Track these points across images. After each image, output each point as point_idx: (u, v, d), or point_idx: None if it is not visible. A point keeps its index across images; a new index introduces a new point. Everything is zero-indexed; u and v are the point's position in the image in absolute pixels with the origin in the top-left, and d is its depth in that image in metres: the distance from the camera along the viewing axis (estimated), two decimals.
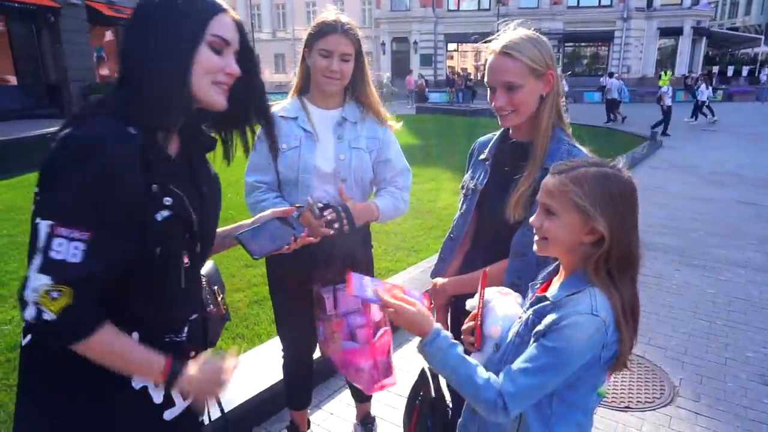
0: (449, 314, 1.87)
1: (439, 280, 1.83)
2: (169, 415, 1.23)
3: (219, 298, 1.44)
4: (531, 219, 1.28)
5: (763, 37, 36.71)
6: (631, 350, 1.20)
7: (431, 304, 1.86)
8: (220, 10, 1.13)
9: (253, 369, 2.81)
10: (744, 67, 35.59)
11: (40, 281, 0.99)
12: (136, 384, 1.16)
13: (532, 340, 1.18)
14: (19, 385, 1.19)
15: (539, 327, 1.17)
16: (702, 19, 35.24)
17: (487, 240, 1.71)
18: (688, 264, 5.12)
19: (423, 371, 1.90)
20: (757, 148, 12.91)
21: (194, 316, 1.27)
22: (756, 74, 32.80)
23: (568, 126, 1.66)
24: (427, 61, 37.72)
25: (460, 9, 37.40)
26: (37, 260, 0.99)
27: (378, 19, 38.34)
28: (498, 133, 1.77)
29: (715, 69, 34.90)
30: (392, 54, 38.86)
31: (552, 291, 1.25)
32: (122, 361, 1.10)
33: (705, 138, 14.76)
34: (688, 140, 14.23)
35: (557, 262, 1.36)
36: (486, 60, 1.59)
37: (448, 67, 38.07)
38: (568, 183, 1.18)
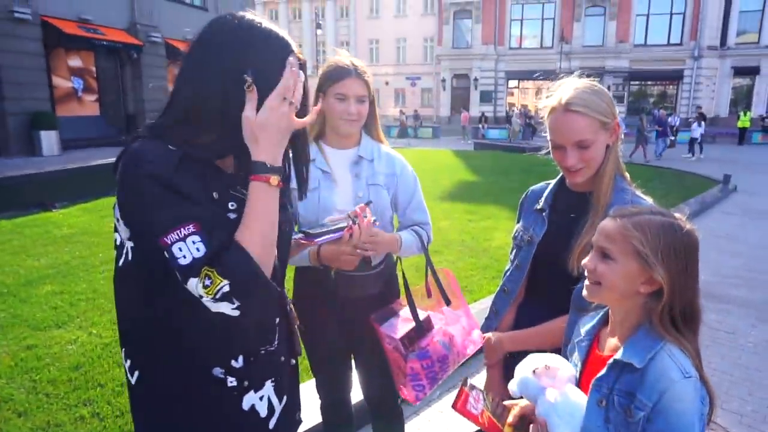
0: (504, 372, 1.76)
1: (493, 336, 1.74)
2: (273, 422, 1.28)
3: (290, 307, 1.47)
4: (584, 261, 1.22)
5: None
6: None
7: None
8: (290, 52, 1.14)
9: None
10: None
11: (195, 287, 1.01)
12: (246, 405, 1.21)
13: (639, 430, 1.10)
14: (135, 422, 1.27)
15: (636, 412, 1.09)
16: None
17: (544, 293, 1.64)
18: (766, 320, 4.72)
19: None
20: None
21: (278, 320, 1.29)
22: None
23: (624, 171, 1.59)
24: (486, 97, 37.82)
25: (522, 47, 37.44)
26: (179, 277, 1.02)
27: (439, 56, 38.96)
28: (553, 182, 1.71)
29: None
30: (452, 90, 39.23)
31: (626, 354, 1.14)
32: (272, 235, 1.11)
33: None
34: (766, 184, 13.36)
35: (599, 315, 1.33)
36: (547, 114, 1.55)
37: (509, 104, 37.95)
38: (630, 228, 1.14)
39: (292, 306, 1.41)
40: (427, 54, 42.31)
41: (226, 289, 1.00)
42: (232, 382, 1.18)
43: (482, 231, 7.36)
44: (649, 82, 36.57)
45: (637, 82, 36.24)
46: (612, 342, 1.23)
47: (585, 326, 1.35)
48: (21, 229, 7.21)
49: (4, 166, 12.43)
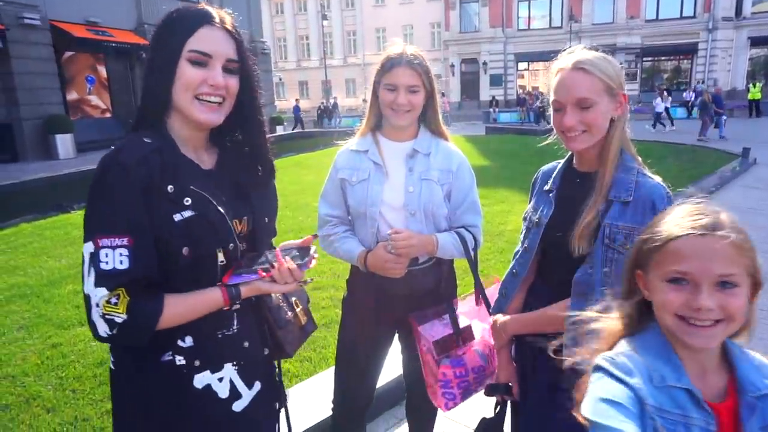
0: (512, 355, 1.75)
1: (500, 318, 1.72)
2: (238, 406, 1.30)
3: (298, 309, 1.49)
4: (702, 302, 0.94)
5: None
6: None
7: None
8: (202, 23, 1.19)
9: (319, 392, 2.81)
10: None
11: (98, 295, 1.07)
12: (199, 383, 1.24)
13: None
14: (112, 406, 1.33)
15: None
16: None
17: (553, 276, 1.61)
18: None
19: (482, 421, 1.79)
20: None
21: (236, 307, 1.30)
22: None
23: (636, 153, 1.54)
24: (497, 81, 37.42)
25: (531, 27, 36.91)
26: (91, 276, 1.07)
27: (447, 42, 38.59)
28: (562, 162, 1.66)
29: None
30: (461, 75, 38.88)
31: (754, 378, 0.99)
32: (193, 314, 1.19)
33: None
34: None
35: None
36: (554, 76, 1.51)
37: (519, 86, 37.52)
38: (748, 241, 0.97)
39: (272, 302, 1.43)
40: (434, 40, 41.93)
41: (119, 321, 1.08)
42: (180, 360, 1.22)
43: (496, 215, 7.32)
44: (663, 58, 35.84)
45: (650, 59, 35.54)
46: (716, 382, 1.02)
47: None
48: (41, 231, 7.34)
49: (22, 171, 12.65)
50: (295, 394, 2.93)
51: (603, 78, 1.43)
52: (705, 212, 0.99)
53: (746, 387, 0.98)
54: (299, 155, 15.13)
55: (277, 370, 1.51)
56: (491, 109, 30.34)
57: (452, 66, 38.66)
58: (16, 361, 3.46)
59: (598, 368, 1.02)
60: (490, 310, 1.89)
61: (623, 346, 1.05)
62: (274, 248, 1.37)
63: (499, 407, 1.77)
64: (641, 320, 1.07)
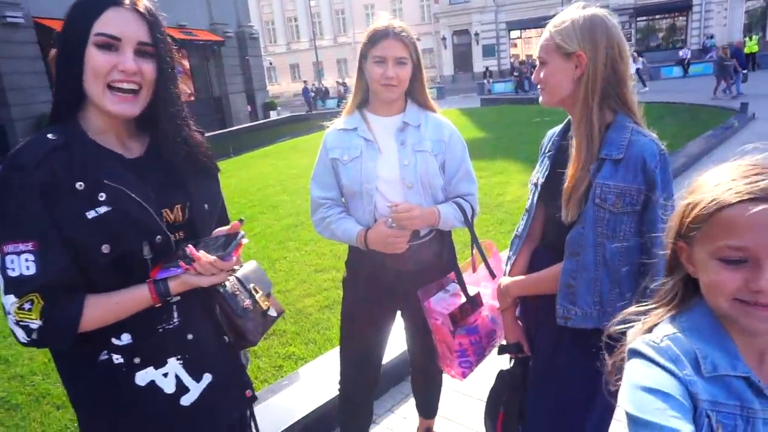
0: (518, 318, 1.76)
1: (504, 281, 1.73)
2: (187, 400, 1.27)
3: (258, 295, 1.44)
4: (765, 283, 0.79)
5: None
6: None
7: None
8: (108, 5, 1.11)
9: (325, 373, 2.82)
10: None
11: (9, 302, 1.05)
12: (142, 381, 1.21)
13: None
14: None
15: None
16: None
17: (553, 237, 1.60)
18: None
19: (501, 373, 1.82)
20: None
21: (176, 299, 1.24)
22: None
23: (636, 112, 1.49)
24: (489, 51, 36.99)
25: None
26: (2, 285, 1.06)
27: (437, 14, 38.05)
28: (563, 123, 1.67)
29: None
30: (453, 48, 38.41)
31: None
32: (121, 313, 1.15)
33: None
34: None
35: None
36: None
37: (512, 55, 37.06)
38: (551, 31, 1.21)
39: (229, 288, 1.38)
40: (424, 14, 41.33)
41: (34, 327, 1.06)
42: (118, 359, 1.18)
43: (495, 186, 7.29)
44: (657, 16, 35.29)
45: (644, 18, 35.01)
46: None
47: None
48: None
49: None
50: (301, 376, 2.95)
51: (556, 40, 1.47)
52: (765, 171, 0.81)
53: None
54: (294, 139, 15.06)
55: (244, 358, 1.49)
56: (485, 81, 30.00)
57: (444, 39, 38.17)
58: (23, 361, 3.49)
59: (637, 353, 0.87)
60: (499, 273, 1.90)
61: (666, 328, 0.89)
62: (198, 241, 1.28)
63: (514, 361, 1.80)
64: (686, 297, 0.92)
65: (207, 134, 1.44)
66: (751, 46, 25.25)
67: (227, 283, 1.36)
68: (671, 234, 0.92)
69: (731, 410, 0.81)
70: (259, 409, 1.71)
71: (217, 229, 1.31)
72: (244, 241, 1.26)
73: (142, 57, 1.15)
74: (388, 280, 1.95)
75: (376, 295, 2.00)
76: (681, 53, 28.05)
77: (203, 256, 1.16)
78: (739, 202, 0.79)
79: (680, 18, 34.67)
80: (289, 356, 3.30)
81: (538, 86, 1.57)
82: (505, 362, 1.85)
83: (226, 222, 1.41)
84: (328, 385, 2.71)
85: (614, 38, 1.44)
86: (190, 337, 1.27)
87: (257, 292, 1.45)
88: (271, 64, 45.42)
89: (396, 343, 2.40)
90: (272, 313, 1.47)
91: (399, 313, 2.14)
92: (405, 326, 2.17)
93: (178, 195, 1.26)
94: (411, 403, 2.77)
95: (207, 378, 1.30)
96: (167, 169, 1.25)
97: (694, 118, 12.08)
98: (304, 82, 33.07)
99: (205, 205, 1.32)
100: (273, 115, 25.84)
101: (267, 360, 3.26)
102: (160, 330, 1.23)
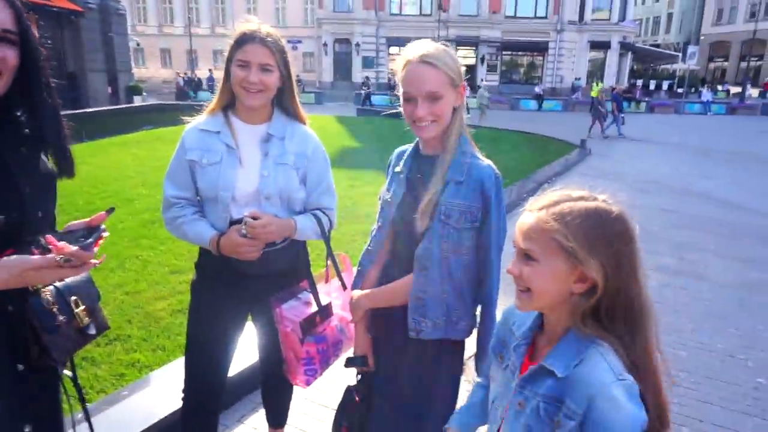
0: (368, 329, 1.81)
1: (356, 293, 1.78)
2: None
3: (79, 309, 1.32)
4: (508, 267, 1.07)
5: (680, 54, 39.30)
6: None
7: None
8: None
9: (172, 382, 2.65)
10: (665, 81, 37.96)
11: None
12: None
13: None
14: None
15: (565, 422, 0.96)
16: (627, 35, 37.41)
17: (404, 252, 1.69)
18: None
19: (348, 389, 1.86)
20: (677, 157, 13.77)
21: None
22: (674, 88, 35.02)
23: (471, 138, 1.67)
24: (369, 63, 37.84)
25: (402, 13, 37.80)
26: None
27: (320, 20, 38.09)
28: (412, 145, 1.76)
29: (639, 82, 37.09)
30: (334, 55, 38.71)
31: (550, 360, 1.03)
32: None
33: (631, 147, 15.58)
34: (615, 149, 14.98)
35: (535, 316, 1.15)
36: (401, 68, 1.58)
37: (390, 69, 38.30)
38: (549, 221, 0.99)
39: (44, 301, 1.26)
40: (307, 17, 41.13)
41: None
42: None
43: (364, 196, 7.45)
44: (520, 53, 38.89)
45: (509, 53, 38.37)
46: (544, 347, 1.10)
47: (520, 328, 1.18)
48: None
49: None
50: (145, 385, 2.74)
51: (447, 72, 1.53)
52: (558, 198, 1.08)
53: (549, 358, 1.04)
54: (160, 129, 14.05)
55: (66, 372, 1.38)
56: (362, 91, 30.66)
57: (325, 45, 38.30)
58: None
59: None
60: (351, 285, 1.93)
61: None
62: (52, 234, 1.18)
63: (360, 376, 1.84)
64: None
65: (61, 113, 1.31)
66: (596, 90, 28.93)
67: (43, 293, 1.23)
68: None
69: None
70: (94, 421, 1.55)
71: (73, 222, 1.21)
72: (105, 234, 1.17)
73: (4, 44, 1.10)
74: (236, 284, 1.92)
75: (224, 298, 1.95)
76: (536, 89, 31.24)
77: (64, 245, 1.07)
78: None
79: (538, 57, 38.57)
80: (133, 364, 3.05)
81: (421, 122, 1.55)
82: (353, 378, 1.88)
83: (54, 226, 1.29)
84: (174, 394, 2.55)
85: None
86: None
87: (78, 305, 1.32)
88: (138, 45, 41.99)
89: (247, 351, 2.34)
90: (91, 330, 1.35)
91: (250, 319, 2.09)
92: (257, 333, 2.13)
93: (10, 202, 1.15)
94: (262, 413, 2.71)
95: None
96: (2, 173, 1.15)
97: (545, 147, 13.49)
98: (210, 70, 31.33)
99: (39, 213, 1.21)
100: (137, 101, 23.87)
101: (107, 368, 2.98)
102: None
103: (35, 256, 1.08)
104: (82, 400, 1.46)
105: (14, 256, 1.07)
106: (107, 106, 20.77)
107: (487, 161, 1.61)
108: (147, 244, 5.04)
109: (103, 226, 1.18)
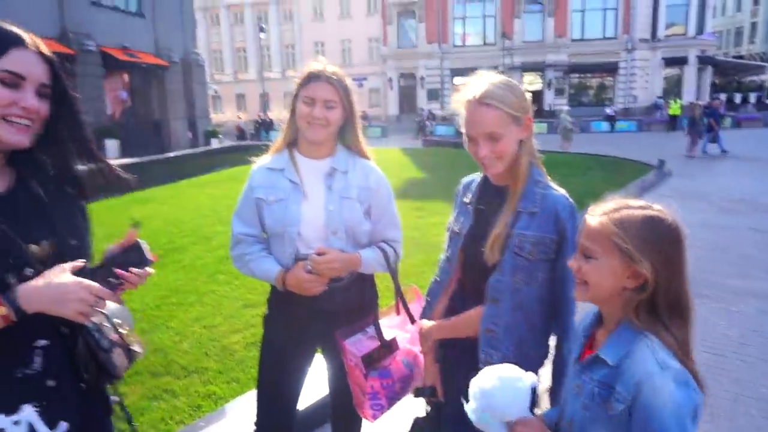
0: (438, 359, 1.79)
1: (425, 324, 1.77)
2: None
3: (125, 330, 1.40)
4: (569, 262, 1.22)
5: (767, 65, 36.80)
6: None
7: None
8: (14, 44, 1.16)
9: (246, 414, 2.71)
10: (751, 93, 35.56)
11: None
12: None
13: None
14: None
15: (616, 405, 1.08)
16: (707, 48, 35.51)
17: (473, 284, 1.66)
18: (698, 294, 4.96)
19: (416, 420, 1.82)
20: (766, 174, 12.73)
21: (43, 343, 1.20)
22: (762, 100, 32.73)
23: (542, 166, 1.63)
24: (433, 95, 38.23)
25: (466, 44, 38.07)
26: None
27: (384, 56, 39.12)
28: (481, 174, 1.75)
29: (723, 96, 34.95)
30: (399, 89, 39.48)
31: (603, 350, 1.16)
32: None
33: (715, 166, 14.62)
34: (698, 168, 14.10)
35: (595, 312, 1.27)
36: (463, 108, 1.58)
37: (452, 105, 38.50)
38: (609, 224, 1.13)
39: (93, 326, 1.34)
40: (372, 54, 42.41)
41: None
42: None
43: (431, 227, 7.42)
44: (588, 75, 37.91)
45: (576, 75, 37.50)
46: (602, 339, 1.22)
47: (582, 323, 1.33)
48: None
49: None
50: (221, 417, 2.82)
51: (507, 110, 1.51)
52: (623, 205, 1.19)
53: (603, 348, 1.16)
54: (233, 168, 14.80)
55: (112, 398, 1.44)
56: (428, 122, 30.94)
57: (390, 80, 39.21)
58: None
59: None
60: (420, 316, 1.92)
61: None
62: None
63: (430, 407, 1.81)
64: None
65: (145, 159, 1.43)
66: (675, 108, 27.66)
67: (94, 318, 1.31)
68: None
69: None
70: None
71: (108, 248, 1.28)
72: (151, 260, 1.26)
73: (40, 97, 1.20)
74: (306, 319, 1.94)
75: (294, 333, 1.98)
76: (607, 110, 30.19)
77: (134, 271, 1.18)
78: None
79: (608, 78, 37.39)
80: (209, 395, 3.15)
81: (485, 161, 1.56)
82: (422, 409, 1.84)
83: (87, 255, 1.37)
84: (248, 426, 2.60)
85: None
86: (50, 383, 1.21)
87: (124, 328, 1.41)
88: (216, 92, 44.91)
89: (316, 386, 2.35)
90: (137, 348, 1.42)
91: (321, 352, 2.10)
92: (327, 367, 2.14)
93: (44, 230, 1.24)
94: None
95: (62, 426, 1.23)
96: (33, 204, 1.25)
97: (618, 170, 12.92)
98: (238, 116, 33.51)
99: (72, 241, 1.29)
100: (215, 143, 25.38)
101: (185, 399, 3.10)
102: (20, 375, 1.17)
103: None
104: (130, 422, 1.54)
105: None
106: (187, 150, 22.23)
107: (561, 191, 1.57)
108: (223, 279, 5.27)
109: (148, 252, 1.24)
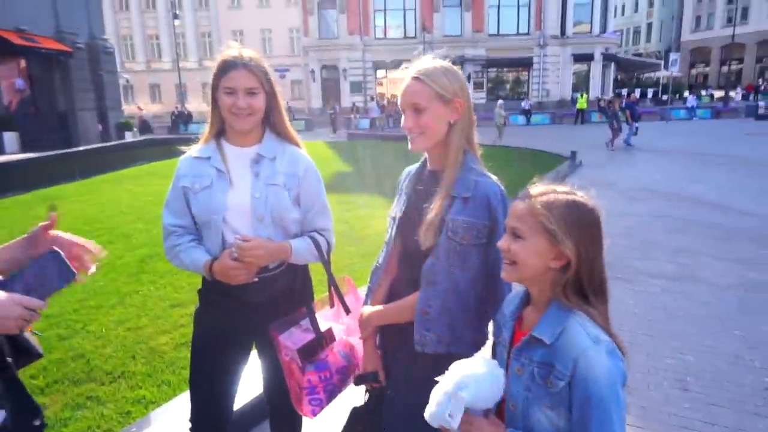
0: (378, 345, 1.82)
1: (365, 311, 1.80)
2: None
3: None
4: (498, 242, 1.29)
5: (662, 62, 40.02)
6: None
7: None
8: None
9: (178, 418, 2.63)
10: (649, 89, 38.54)
11: None
12: None
13: (562, 397, 1.16)
14: None
15: (556, 382, 1.16)
16: (610, 46, 38.02)
17: (411, 268, 1.71)
18: (611, 277, 5.36)
19: (354, 410, 1.84)
20: (666, 163, 13.92)
21: None
22: (659, 96, 35.59)
23: (479, 154, 1.70)
24: (356, 88, 38.20)
25: (387, 37, 38.29)
26: None
27: (306, 47, 38.56)
28: (419, 162, 1.80)
29: (624, 92, 37.63)
30: (322, 81, 39.11)
31: (538, 330, 1.23)
32: None
33: (620, 156, 15.75)
34: (606, 159, 15.13)
35: (522, 293, 1.35)
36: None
37: (378, 93, 38.72)
38: (537, 206, 1.21)
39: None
40: (294, 45, 41.68)
41: None
42: None
43: (359, 219, 7.48)
44: (505, 69, 39.41)
45: (494, 69, 38.87)
46: (533, 319, 1.28)
47: (509, 308, 1.39)
48: None
49: None
50: (152, 421, 2.72)
51: (434, 87, 1.58)
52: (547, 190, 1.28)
53: (538, 328, 1.23)
54: (153, 163, 14.10)
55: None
56: (352, 116, 30.94)
57: (312, 72, 38.72)
58: None
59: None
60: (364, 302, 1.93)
61: None
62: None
63: (368, 395, 1.82)
64: None
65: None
66: (582, 102, 29.43)
67: None
68: None
69: None
70: None
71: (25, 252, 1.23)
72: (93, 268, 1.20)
73: None
74: (235, 311, 1.92)
75: (225, 328, 1.95)
76: (523, 104, 31.62)
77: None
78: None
79: (523, 73, 39.09)
80: (138, 400, 3.02)
81: (410, 133, 1.62)
82: (358, 400, 1.86)
83: None
84: (181, 429, 2.53)
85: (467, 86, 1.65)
86: None
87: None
88: (128, 81, 42.33)
89: (253, 381, 2.32)
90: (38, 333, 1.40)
91: (255, 348, 2.08)
92: (261, 363, 2.11)
93: None
94: None
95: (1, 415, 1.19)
96: None
97: (534, 161, 13.62)
98: (138, 107, 31.09)
99: None
100: (128, 137, 23.97)
101: (112, 406, 2.96)
102: None
103: None
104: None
105: None
106: (97, 144, 20.85)
107: (494, 178, 1.64)
108: (147, 279, 5.03)
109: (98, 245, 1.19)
